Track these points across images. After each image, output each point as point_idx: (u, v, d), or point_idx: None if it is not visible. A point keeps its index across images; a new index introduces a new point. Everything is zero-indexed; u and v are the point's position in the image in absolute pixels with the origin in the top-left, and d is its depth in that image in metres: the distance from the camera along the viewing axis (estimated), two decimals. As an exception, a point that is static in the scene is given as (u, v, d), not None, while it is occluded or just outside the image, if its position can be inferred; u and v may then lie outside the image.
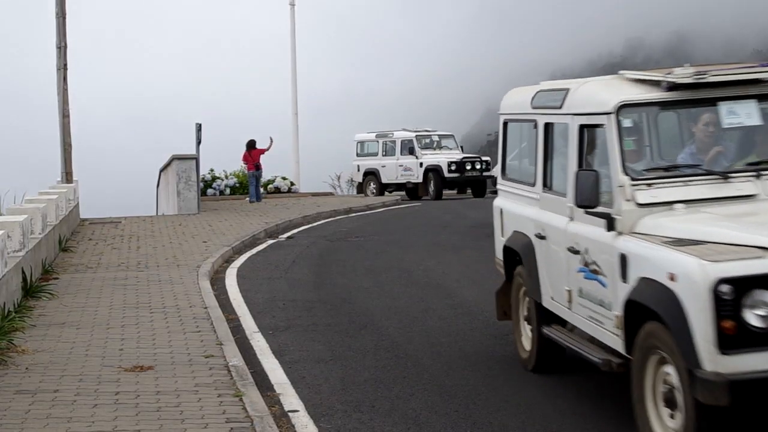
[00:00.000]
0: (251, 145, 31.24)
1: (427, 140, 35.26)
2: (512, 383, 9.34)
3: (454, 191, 35.64)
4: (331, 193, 36.92)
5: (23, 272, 13.24)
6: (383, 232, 22.29)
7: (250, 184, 31.50)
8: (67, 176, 25.22)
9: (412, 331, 11.77)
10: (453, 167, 33.65)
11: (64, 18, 25.25)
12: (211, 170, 34.33)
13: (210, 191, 33.48)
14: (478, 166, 34.06)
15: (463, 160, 33.98)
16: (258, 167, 31.19)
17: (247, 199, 31.37)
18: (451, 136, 36.35)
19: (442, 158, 34.11)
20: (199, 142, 27.38)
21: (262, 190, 34.31)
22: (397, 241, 20.49)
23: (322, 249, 19.54)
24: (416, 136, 34.87)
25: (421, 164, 34.18)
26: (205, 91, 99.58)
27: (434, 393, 9.08)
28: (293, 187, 35.44)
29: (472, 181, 34.43)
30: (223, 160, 36.08)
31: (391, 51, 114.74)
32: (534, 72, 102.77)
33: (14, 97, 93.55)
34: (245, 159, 31.46)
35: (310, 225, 24.31)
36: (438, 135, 35.71)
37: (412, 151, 34.18)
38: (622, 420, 8.18)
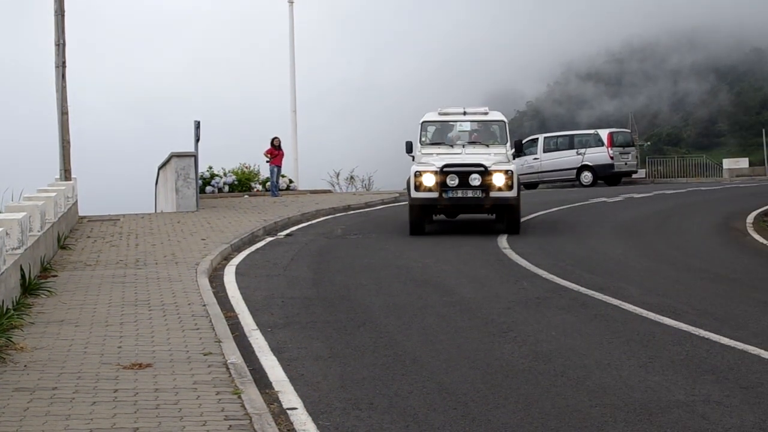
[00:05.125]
0: (270, 142, 32.36)
1: (448, 131, 22.70)
2: (511, 381, 9.35)
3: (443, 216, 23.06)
4: (329, 191, 36.91)
5: (22, 270, 13.23)
6: (382, 230, 22.28)
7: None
8: (66, 174, 25.22)
9: (411, 328, 11.77)
10: (430, 182, 20.82)
11: (63, 15, 25.25)
12: (210, 168, 34.33)
13: (208, 189, 33.48)
14: (476, 182, 20.73)
15: (445, 169, 20.83)
16: (268, 162, 32.40)
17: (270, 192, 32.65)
18: (498, 122, 22.49)
19: (420, 167, 21.15)
20: (197, 140, 27.37)
21: (260, 187, 34.45)
22: (396, 239, 20.49)
23: (321, 246, 19.54)
24: (423, 122, 22.39)
25: None
26: (204, 89, 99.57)
27: (433, 390, 9.08)
28: (292, 184, 35.44)
29: (463, 206, 21.38)
30: (222, 158, 36.11)
31: (392, 46, 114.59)
32: (539, 64, 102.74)
33: (13, 94, 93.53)
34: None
35: (308, 222, 24.31)
36: (470, 121, 22.74)
37: (410, 149, 22.05)
38: (621, 417, 8.18)
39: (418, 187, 20.79)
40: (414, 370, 9.79)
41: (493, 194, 20.73)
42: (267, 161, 32.29)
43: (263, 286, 14.89)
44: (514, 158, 22.03)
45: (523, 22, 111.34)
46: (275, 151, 32.10)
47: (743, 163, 49.93)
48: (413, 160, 21.76)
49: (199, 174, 28.72)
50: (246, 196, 32.57)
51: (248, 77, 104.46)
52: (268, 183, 32.93)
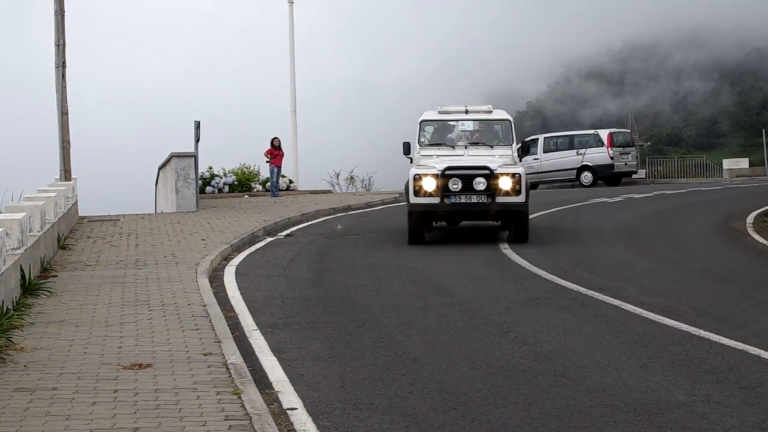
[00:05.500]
0: (270, 142, 32.32)
1: (449, 131, 21.18)
2: (511, 381, 9.35)
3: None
4: (329, 191, 36.91)
5: (22, 270, 13.23)
6: (382, 230, 22.29)
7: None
8: (66, 174, 25.22)
9: (411, 328, 11.77)
10: (430, 186, 19.24)
11: (63, 16, 25.25)
12: (210, 168, 34.34)
13: (208, 189, 33.49)
14: (481, 186, 19.13)
15: (447, 172, 19.16)
16: (268, 163, 32.34)
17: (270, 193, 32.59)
18: (502, 121, 20.90)
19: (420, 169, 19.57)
20: (197, 140, 27.37)
21: (260, 187, 34.46)
22: (396, 239, 20.48)
23: (321, 247, 19.54)
24: (421, 121, 20.83)
25: None
26: (204, 89, 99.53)
27: (433, 391, 9.08)
28: (292, 184, 35.44)
29: (466, 212, 19.76)
30: (222, 158, 36.11)
31: (392, 46, 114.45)
32: (540, 63, 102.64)
33: (13, 94, 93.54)
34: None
35: (309, 223, 24.32)
36: (473, 120, 21.03)
37: (407, 151, 20.54)
38: (622, 417, 8.19)
39: (417, 192, 19.22)
40: (414, 371, 9.79)
41: (499, 199, 19.10)
42: (267, 161, 32.32)
43: (263, 287, 14.89)
44: (520, 160, 20.63)
45: (523, 21, 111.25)
46: (275, 152, 32.12)
47: (743, 163, 49.96)
48: (411, 162, 20.32)
49: (199, 174, 28.72)
50: (246, 197, 32.57)
51: (248, 77, 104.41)
52: (268, 183, 32.95)
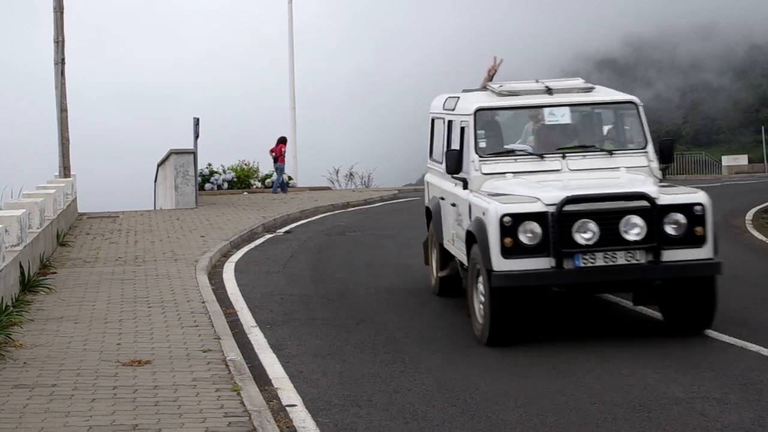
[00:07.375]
0: (281, 140, 32.64)
1: (519, 122, 12.13)
2: (510, 377, 9.35)
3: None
4: (328, 188, 36.89)
5: (21, 267, 13.23)
6: (381, 227, 22.28)
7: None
8: (65, 171, 25.19)
9: (410, 325, 11.77)
10: (534, 236, 10.14)
11: (62, 13, 25.22)
12: (209, 165, 34.34)
13: (208, 186, 33.48)
14: (637, 233, 10.15)
15: (567, 208, 10.04)
16: (275, 160, 32.52)
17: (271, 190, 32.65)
18: (622, 105, 11.80)
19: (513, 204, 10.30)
20: (196, 137, 27.35)
21: (259, 183, 34.47)
22: (395, 236, 20.47)
23: (320, 243, 19.53)
24: (477, 111, 11.44)
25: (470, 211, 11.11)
26: (204, 86, 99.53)
27: (432, 387, 9.09)
28: (291, 181, 35.43)
29: (606, 285, 10.77)
30: (221, 155, 36.10)
31: (394, 42, 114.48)
32: (548, 56, 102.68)
33: (13, 91, 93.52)
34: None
35: (308, 219, 24.31)
36: (570, 105, 11.50)
37: (457, 166, 11.37)
38: (621, 414, 8.19)
39: (509, 249, 10.13)
40: (413, 367, 9.79)
41: (668, 255, 10.26)
42: (274, 158, 32.42)
43: (262, 283, 14.89)
44: (664, 176, 11.69)
45: (529, 14, 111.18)
46: (283, 149, 32.44)
47: (742, 160, 49.98)
48: (466, 186, 11.33)
49: (198, 171, 28.71)
50: (245, 193, 32.57)
51: (249, 74, 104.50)
52: (271, 180, 33.00)
